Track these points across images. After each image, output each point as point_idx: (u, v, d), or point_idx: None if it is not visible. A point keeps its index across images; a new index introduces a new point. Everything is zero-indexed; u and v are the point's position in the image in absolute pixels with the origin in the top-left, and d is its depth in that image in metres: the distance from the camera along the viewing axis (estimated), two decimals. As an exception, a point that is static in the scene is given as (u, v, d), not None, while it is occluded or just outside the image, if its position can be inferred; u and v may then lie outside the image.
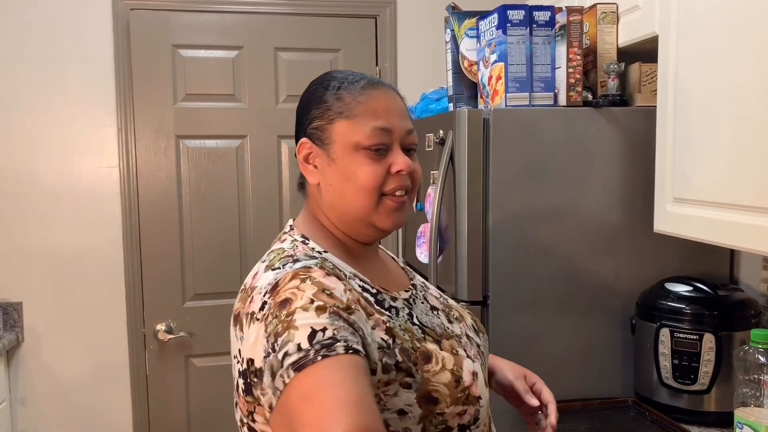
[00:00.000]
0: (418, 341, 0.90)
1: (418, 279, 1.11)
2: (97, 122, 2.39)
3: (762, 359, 1.31)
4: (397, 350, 0.86)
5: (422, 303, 1.01)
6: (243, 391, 0.84)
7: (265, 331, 0.80)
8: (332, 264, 0.90)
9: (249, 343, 0.83)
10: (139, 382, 2.46)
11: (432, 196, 1.79)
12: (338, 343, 0.76)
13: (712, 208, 1.43)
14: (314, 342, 0.76)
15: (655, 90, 1.67)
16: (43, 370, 2.40)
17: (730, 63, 1.37)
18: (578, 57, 1.73)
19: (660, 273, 1.74)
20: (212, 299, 2.47)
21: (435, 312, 1.01)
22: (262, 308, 0.83)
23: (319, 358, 0.75)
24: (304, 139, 0.98)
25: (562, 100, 1.75)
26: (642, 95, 1.80)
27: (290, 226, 1.02)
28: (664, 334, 1.57)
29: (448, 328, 0.98)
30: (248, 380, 0.83)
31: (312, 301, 0.80)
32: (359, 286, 0.92)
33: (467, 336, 1.01)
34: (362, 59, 2.57)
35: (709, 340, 1.53)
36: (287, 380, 0.75)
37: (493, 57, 1.79)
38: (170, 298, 2.46)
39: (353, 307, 0.83)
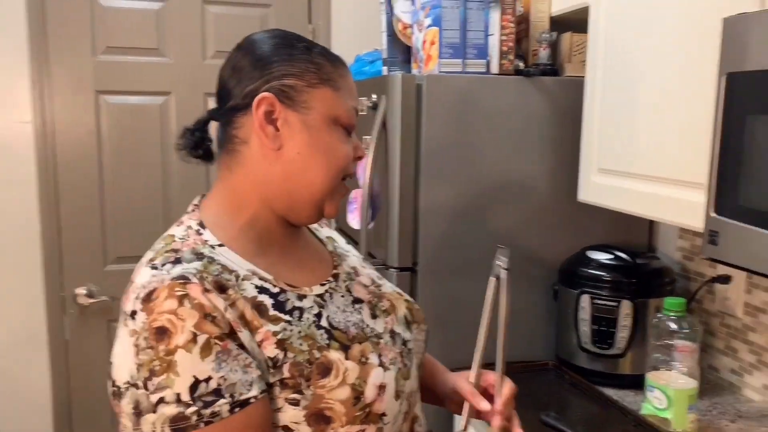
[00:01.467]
0: (318, 350, 0.81)
1: (348, 265, 0.99)
2: (7, 73, 2.23)
3: (673, 326, 1.38)
4: (285, 367, 0.78)
5: (342, 296, 0.91)
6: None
7: (137, 356, 0.73)
8: (220, 266, 0.80)
9: (116, 351, 0.78)
10: (58, 347, 2.37)
11: (364, 161, 1.77)
12: (222, 401, 0.72)
13: (635, 179, 1.48)
14: (196, 395, 0.72)
15: (585, 60, 1.69)
16: (-48, 335, 2.27)
17: (654, 39, 1.39)
18: (511, 25, 1.73)
19: (583, 241, 1.79)
20: (135, 262, 2.35)
21: (357, 306, 0.92)
22: (133, 316, 0.76)
23: (202, 425, 0.71)
24: (267, 94, 0.83)
25: (495, 67, 1.75)
26: (572, 65, 1.82)
27: (194, 205, 0.91)
28: (585, 300, 1.63)
29: (367, 326, 0.89)
30: (110, 388, 0.78)
31: (194, 338, 0.72)
32: (256, 287, 0.82)
33: (391, 333, 0.92)
34: (294, 17, 2.49)
35: (626, 307, 1.60)
36: None
37: (428, 21, 1.76)
38: (91, 262, 2.36)
39: (235, 328, 0.76)
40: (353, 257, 1.05)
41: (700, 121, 1.25)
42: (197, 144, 0.92)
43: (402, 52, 1.98)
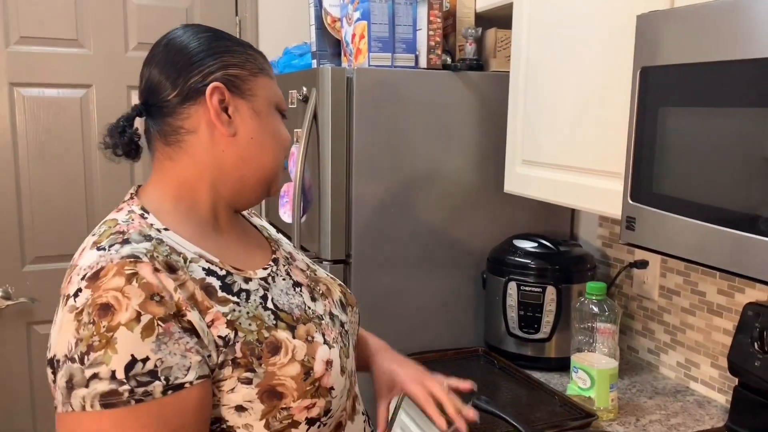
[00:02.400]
0: (267, 330, 0.83)
1: (284, 250, 1.03)
2: None
3: (595, 309, 1.45)
4: (237, 346, 0.80)
5: (283, 280, 0.94)
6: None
7: (77, 331, 0.73)
8: (168, 248, 0.81)
9: (55, 328, 0.77)
10: (-27, 352, 2.26)
11: (296, 154, 1.77)
12: (156, 382, 0.72)
13: (557, 170, 1.54)
14: (131, 374, 0.71)
15: (509, 56, 1.74)
16: None
17: (574, 34, 1.46)
18: (438, 20, 1.76)
19: (510, 231, 1.85)
20: (56, 262, 2.29)
21: (297, 289, 0.95)
22: (76, 295, 0.75)
23: (132, 402, 0.72)
24: (218, 83, 0.86)
25: (423, 62, 1.78)
26: (497, 60, 1.88)
27: (131, 194, 0.91)
28: (512, 287, 1.68)
29: (309, 308, 0.92)
30: (47, 366, 0.78)
31: (138, 317, 0.73)
32: (204, 269, 0.83)
33: (330, 315, 0.96)
34: (220, 9, 2.44)
35: (551, 293, 1.66)
36: (87, 407, 0.71)
37: (356, 14, 1.78)
38: (7, 262, 2.25)
39: (184, 308, 0.76)
40: (286, 244, 1.08)
41: (617, 113, 1.32)
42: (128, 141, 0.92)
43: (331, 45, 1.99)
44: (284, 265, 0.98)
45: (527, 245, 1.73)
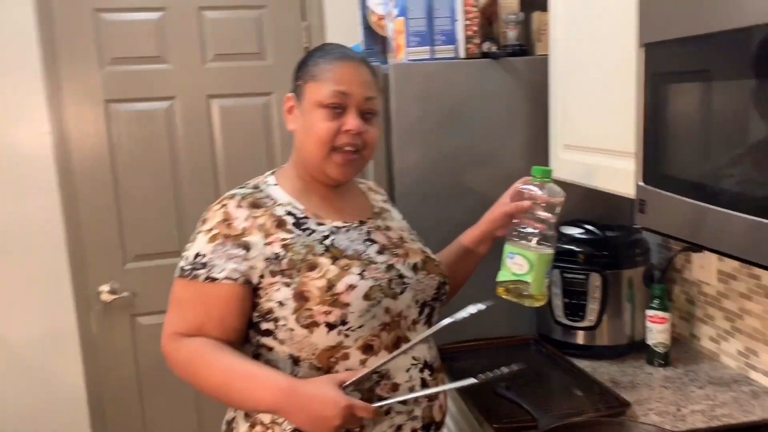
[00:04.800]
0: (313, 255, 1.13)
1: (385, 223, 1.29)
2: (24, 88, 2.39)
3: (538, 191, 1.32)
4: (284, 261, 1.12)
5: (358, 234, 1.21)
6: None
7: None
8: (266, 194, 1.19)
9: None
10: (88, 343, 2.54)
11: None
12: (202, 270, 1.12)
13: (592, 153, 1.50)
14: (194, 260, 1.14)
15: (549, 39, 1.71)
16: (-7, 338, 2.46)
17: (602, 15, 1.41)
18: (474, 9, 1.76)
19: (564, 218, 1.80)
20: (152, 260, 2.52)
21: (368, 243, 1.21)
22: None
23: (188, 276, 1.14)
24: (289, 95, 1.23)
25: (462, 52, 1.78)
26: (542, 44, 1.84)
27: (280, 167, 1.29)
28: (556, 275, 1.65)
29: (366, 254, 1.18)
30: None
31: (211, 230, 1.14)
32: (286, 211, 1.18)
33: (389, 266, 1.19)
34: (288, 16, 2.56)
35: (596, 279, 1.62)
36: (175, 276, 1.17)
37: (395, 11, 1.82)
38: (111, 261, 2.51)
39: (248, 232, 1.13)
40: (399, 224, 1.34)
41: (631, 92, 1.27)
42: None
43: (380, 42, 2.04)
44: (369, 228, 1.25)
45: (574, 231, 1.69)
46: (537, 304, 1.34)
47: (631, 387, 1.49)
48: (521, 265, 1.28)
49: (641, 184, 1.18)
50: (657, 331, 1.58)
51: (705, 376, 1.54)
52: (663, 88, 1.11)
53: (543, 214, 1.30)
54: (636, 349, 1.65)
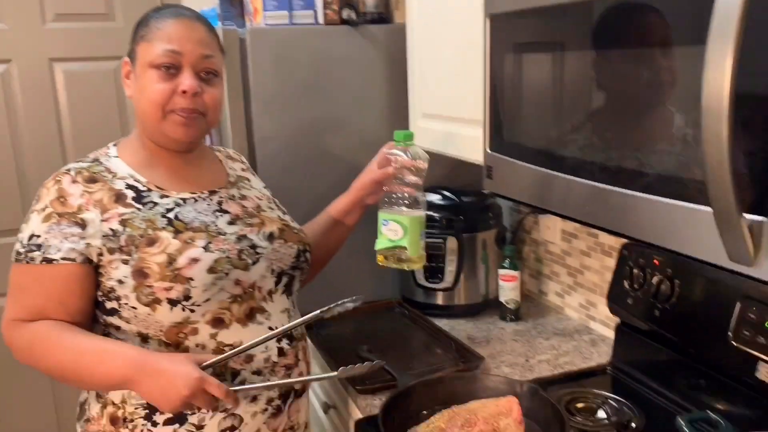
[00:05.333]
0: (153, 229, 1.09)
1: (240, 193, 1.25)
2: None
3: (402, 155, 1.34)
4: (122, 237, 1.07)
5: (207, 205, 1.17)
6: None
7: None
8: (105, 167, 1.13)
9: None
10: None
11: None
12: (37, 252, 1.06)
13: (446, 121, 1.55)
14: (28, 242, 1.07)
15: (408, 8, 1.73)
16: None
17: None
18: (332, -26, 1.74)
19: (431, 184, 1.85)
20: (-6, 238, 2.33)
21: (218, 214, 1.17)
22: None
23: (23, 260, 1.07)
24: (125, 59, 1.16)
25: (321, 18, 1.76)
26: (400, 12, 1.86)
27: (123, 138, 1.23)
28: (416, 239, 1.70)
29: (213, 225, 1.14)
30: None
31: (44, 209, 1.08)
32: (127, 185, 1.12)
33: (240, 236, 1.16)
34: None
35: (452, 243, 1.69)
36: (11, 260, 1.10)
37: (251, -26, 1.76)
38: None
39: (84, 208, 1.07)
40: (258, 193, 1.30)
41: (481, 62, 1.32)
42: None
43: (237, 5, 1.97)
44: (220, 198, 1.20)
45: (432, 198, 1.75)
46: (416, 267, 1.36)
47: (485, 342, 1.58)
48: (396, 230, 1.30)
49: (488, 151, 1.23)
50: (508, 288, 1.69)
51: (551, 328, 1.66)
52: (507, 58, 1.16)
53: (410, 178, 1.32)
54: (490, 306, 1.76)
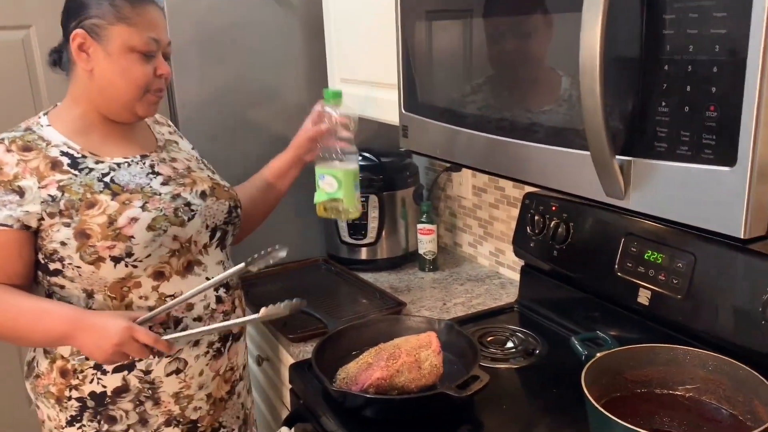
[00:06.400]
0: (90, 193, 1.15)
1: (170, 156, 1.31)
2: None
3: (332, 112, 1.45)
4: (62, 202, 1.13)
5: (140, 168, 1.23)
6: None
7: None
8: (38, 135, 1.17)
9: None
10: None
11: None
12: None
13: (362, 85, 1.64)
14: None
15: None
16: None
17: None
18: (247, -57, 1.78)
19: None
20: None
21: (151, 176, 1.23)
22: None
23: None
24: (78, 31, 1.16)
25: (238, -15, 1.80)
26: (315, -20, 1.92)
27: (53, 106, 1.25)
28: (338, 199, 1.81)
29: (148, 186, 1.21)
30: None
31: None
32: (61, 152, 1.17)
33: (174, 195, 1.22)
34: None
35: (374, 201, 1.80)
36: None
37: (165, -58, 1.77)
38: None
39: (20, 176, 1.12)
40: (186, 155, 1.36)
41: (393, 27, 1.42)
42: (55, 62, 1.27)
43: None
44: (152, 162, 1.27)
45: (353, 159, 1.85)
46: (353, 216, 1.48)
47: (407, 291, 1.72)
48: (331, 183, 1.41)
49: (403, 111, 1.34)
50: (426, 241, 1.82)
51: (465, 275, 1.81)
52: (418, 24, 1.26)
53: (343, 133, 1.43)
54: (410, 259, 1.89)
